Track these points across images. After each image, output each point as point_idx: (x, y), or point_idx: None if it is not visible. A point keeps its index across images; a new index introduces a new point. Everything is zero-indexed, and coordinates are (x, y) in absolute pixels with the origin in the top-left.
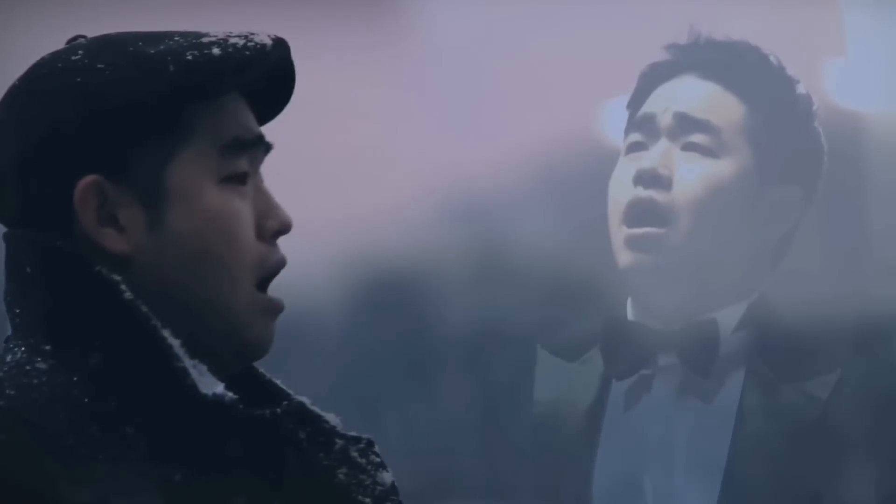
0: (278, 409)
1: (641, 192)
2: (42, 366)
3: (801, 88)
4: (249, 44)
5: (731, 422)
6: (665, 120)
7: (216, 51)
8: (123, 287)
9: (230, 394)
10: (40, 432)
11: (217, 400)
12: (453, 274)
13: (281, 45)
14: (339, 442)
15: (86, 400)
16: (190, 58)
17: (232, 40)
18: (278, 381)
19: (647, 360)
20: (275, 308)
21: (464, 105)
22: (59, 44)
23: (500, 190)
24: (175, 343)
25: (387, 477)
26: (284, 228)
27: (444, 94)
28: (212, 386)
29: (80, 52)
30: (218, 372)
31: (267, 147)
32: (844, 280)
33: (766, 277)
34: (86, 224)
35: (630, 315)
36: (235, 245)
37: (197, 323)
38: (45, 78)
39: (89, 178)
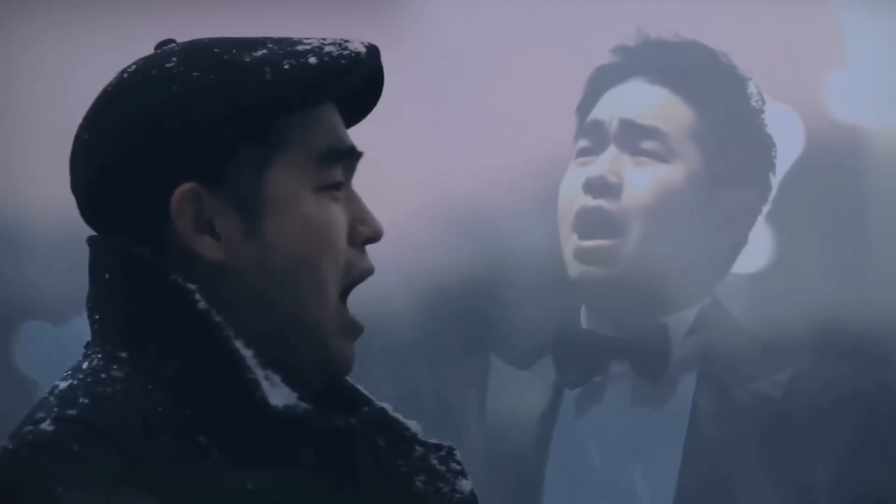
0: (353, 419)
1: (590, 201)
2: (117, 374)
3: (751, 87)
4: (345, 52)
5: (684, 427)
6: (613, 126)
7: (312, 60)
8: (198, 296)
9: (303, 404)
10: (111, 442)
11: (289, 411)
12: (447, 280)
13: (374, 53)
14: (419, 449)
15: (159, 409)
16: (287, 67)
17: (327, 49)
18: (360, 387)
19: (599, 367)
20: (356, 330)
21: (463, 111)
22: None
23: (497, 197)
24: (247, 354)
25: (465, 485)
26: (376, 236)
27: (444, 99)
28: (285, 397)
29: (174, 59)
30: (297, 382)
31: (358, 154)
32: (845, 290)
33: (720, 280)
34: (182, 231)
35: (583, 322)
36: (331, 252)
37: (278, 336)
38: (140, 85)
39: (187, 186)
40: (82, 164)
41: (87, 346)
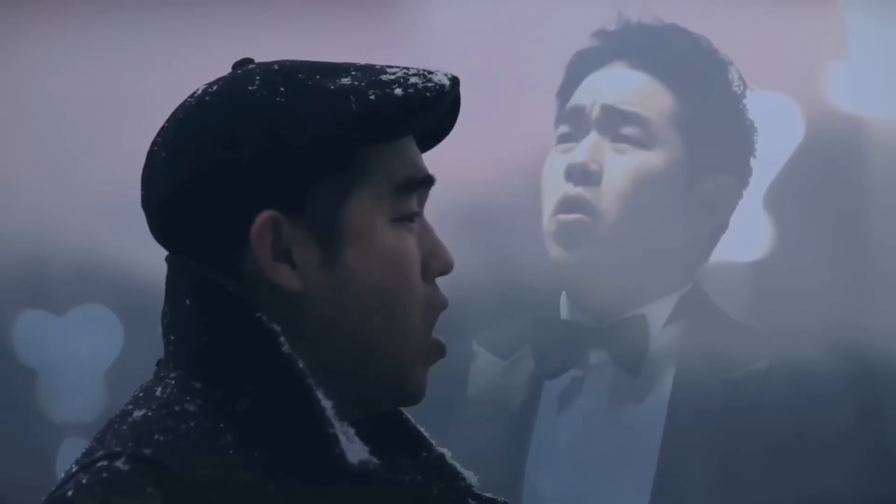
0: (419, 476)
1: (571, 189)
2: (190, 407)
3: (732, 72)
4: (429, 84)
5: (663, 419)
6: (594, 112)
7: (398, 91)
8: (282, 339)
9: (374, 459)
10: (184, 486)
11: (362, 467)
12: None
13: (456, 84)
14: (472, 502)
15: (231, 452)
16: (373, 97)
17: (412, 80)
18: (423, 429)
19: (577, 358)
20: (441, 353)
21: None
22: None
23: (485, 192)
24: (328, 405)
25: None
26: (447, 269)
27: None
28: (359, 452)
29: (257, 82)
30: (365, 408)
31: (433, 182)
32: (842, 279)
33: (700, 267)
34: (261, 258)
35: (563, 312)
36: (407, 285)
37: (351, 366)
38: (222, 106)
39: (267, 213)
40: (157, 182)
41: (158, 364)
